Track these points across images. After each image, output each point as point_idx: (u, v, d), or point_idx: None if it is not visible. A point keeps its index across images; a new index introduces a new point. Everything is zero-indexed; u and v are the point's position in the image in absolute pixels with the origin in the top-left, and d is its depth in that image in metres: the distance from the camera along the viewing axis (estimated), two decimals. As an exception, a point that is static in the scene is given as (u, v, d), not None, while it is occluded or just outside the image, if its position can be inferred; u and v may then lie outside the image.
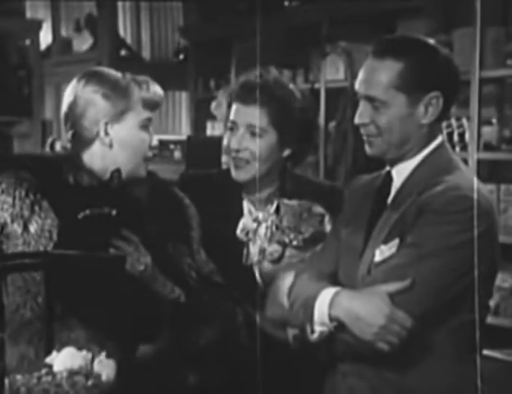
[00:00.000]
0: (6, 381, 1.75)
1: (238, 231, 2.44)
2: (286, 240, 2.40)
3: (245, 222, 2.46)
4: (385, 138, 2.04)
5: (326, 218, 2.42)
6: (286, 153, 2.49)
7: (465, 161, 3.94)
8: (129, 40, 7.43)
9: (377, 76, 2.02)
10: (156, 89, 2.23)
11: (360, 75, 2.06)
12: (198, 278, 2.24)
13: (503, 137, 4.17)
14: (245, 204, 2.50)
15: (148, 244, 2.14)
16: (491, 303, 2.92)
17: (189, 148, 5.69)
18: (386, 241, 2.01)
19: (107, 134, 2.17)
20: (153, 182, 2.28)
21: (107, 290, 1.86)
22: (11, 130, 5.30)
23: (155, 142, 2.24)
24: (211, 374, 2.19)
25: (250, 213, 2.48)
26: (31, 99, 5.27)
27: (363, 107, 2.06)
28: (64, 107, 2.21)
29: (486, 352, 2.09)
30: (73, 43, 7.50)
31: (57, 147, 2.24)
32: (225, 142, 2.50)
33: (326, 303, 1.97)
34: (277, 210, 2.46)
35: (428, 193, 1.99)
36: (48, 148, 2.26)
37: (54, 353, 1.87)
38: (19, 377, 1.80)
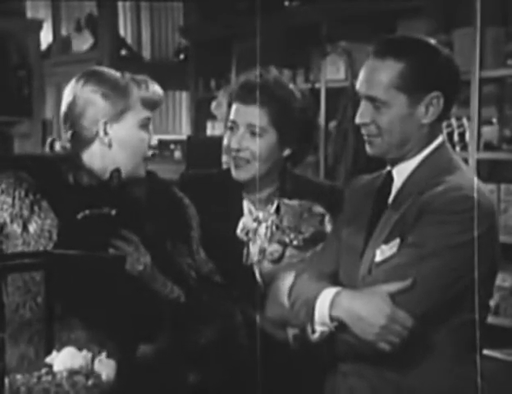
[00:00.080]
0: (7, 380, 1.75)
1: (238, 231, 2.44)
2: (286, 239, 2.40)
3: (245, 221, 2.46)
4: (385, 138, 2.04)
5: (327, 218, 2.42)
6: (286, 152, 2.49)
7: (465, 161, 3.94)
8: (129, 40, 7.43)
9: (377, 76, 2.02)
10: (155, 89, 2.23)
11: (361, 75, 2.06)
12: (198, 278, 2.24)
13: (503, 137, 4.17)
14: (245, 204, 2.50)
15: (148, 244, 2.14)
16: (491, 303, 2.92)
17: (189, 148, 5.69)
18: (386, 241, 2.01)
19: (106, 133, 2.17)
20: (152, 182, 2.27)
21: (107, 290, 1.86)
22: (12, 130, 5.31)
23: (154, 141, 2.24)
24: (211, 374, 2.19)
25: (250, 212, 2.48)
26: (31, 99, 5.28)
27: (363, 107, 2.06)
28: (63, 107, 2.21)
29: (486, 352, 2.09)
30: (73, 42, 7.50)
31: (57, 147, 2.23)
32: (225, 142, 2.50)
33: (326, 303, 1.97)
34: (277, 210, 2.46)
35: (429, 193, 1.99)
36: (47, 148, 2.26)
37: (54, 353, 1.87)
38: (19, 376, 1.79)
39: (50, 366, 1.83)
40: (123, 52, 7.14)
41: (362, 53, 2.69)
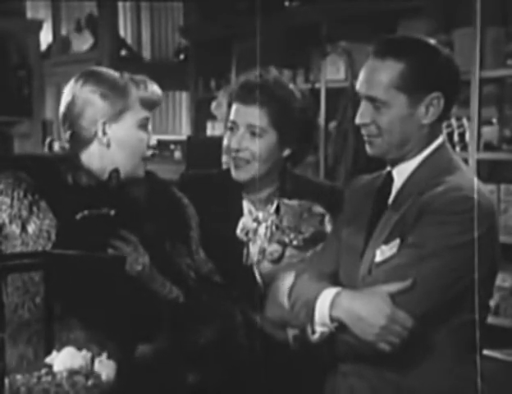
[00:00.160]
0: (7, 381, 1.75)
1: (238, 231, 2.44)
2: (286, 239, 2.40)
3: (245, 221, 2.46)
4: (385, 138, 2.04)
5: (327, 218, 2.42)
6: (286, 153, 2.49)
7: (465, 161, 3.93)
8: (129, 40, 7.43)
9: (377, 76, 2.02)
10: (154, 89, 2.22)
11: (361, 76, 2.06)
12: (197, 278, 2.24)
13: (503, 137, 4.17)
14: (245, 204, 2.50)
15: (147, 244, 2.14)
16: (491, 303, 2.92)
17: (189, 148, 5.69)
18: (386, 241, 2.01)
19: (104, 133, 2.17)
20: (151, 182, 2.27)
21: (106, 290, 1.86)
22: (12, 130, 5.31)
23: (153, 141, 2.24)
24: (210, 374, 2.19)
25: (250, 212, 2.48)
26: (31, 99, 5.28)
27: (364, 107, 2.05)
28: (62, 107, 2.21)
29: (486, 352, 2.09)
30: (73, 43, 7.50)
31: (56, 147, 2.23)
32: (225, 142, 2.50)
33: (326, 303, 1.97)
34: (277, 210, 2.46)
35: (429, 193, 1.98)
36: (46, 149, 2.25)
37: (54, 353, 1.87)
38: (19, 376, 1.79)
39: (50, 366, 1.83)
40: (123, 52, 7.14)
41: (362, 53, 2.69)
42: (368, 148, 2.08)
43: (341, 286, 2.03)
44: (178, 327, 2.15)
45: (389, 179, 2.10)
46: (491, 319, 2.28)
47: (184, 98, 7.33)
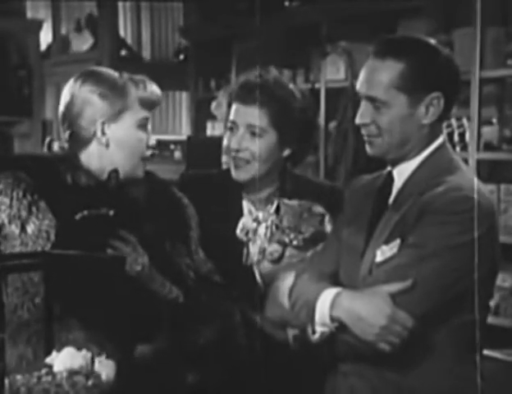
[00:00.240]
0: (7, 381, 1.75)
1: (238, 231, 2.44)
2: (286, 239, 2.40)
3: (245, 221, 2.46)
4: (386, 138, 2.04)
5: (327, 218, 2.42)
6: (286, 153, 2.49)
7: (465, 161, 3.94)
8: (129, 40, 7.43)
9: (377, 76, 2.02)
10: (153, 89, 2.22)
11: (361, 76, 2.06)
12: (197, 278, 2.24)
13: (503, 137, 4.17)
14: (245, 204, 2.50)
15: (147, 244, 2.13)
16: (492, 303, 2.92)
17: (189, 148, 5.69)
18: (387, 242, 2.01)
19: (103, 133, 2.17)
20: (151, 182, 2.27)
21: (106, 290, 1.86)
22: (12, 130, 5.31)
23: (153, 141, 2.23)
24: (210, 374, 2.19)
25: (250, 212, 2.48)
26: (31, 99, 5.28)
27: (364, 107, 2.05)
28: (61, 107, 2.21)
29: (486, 352, 2.09)
30: (73, 43, 7.50)
31: (55, 147, 2.23)
32: (225, 142, 2.50)
33: (327, 303, 1.97)
34: (277, 210, 2.46)
35: (430, 193, 1.98)
36: (45, 149, 2.25)
37: (54, 353, 1.87)
38: (19, 377, 1.79)
39: (50, 366, 1.83)
40: (123, 52, 7.14)
41: (362, 53, 2.70)
42: (368, 148, 2.08)
43: (342, 286, 2.03)
44: (177, 327, 2.15)
45: (389, 179, 2.10)
46: (491, 319, 2.28)
47: (184, 98, 7.33)
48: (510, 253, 3.57)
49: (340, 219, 2.22)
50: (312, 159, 4.96)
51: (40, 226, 2.08)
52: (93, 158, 2.18)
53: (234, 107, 2.48)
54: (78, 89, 2.17)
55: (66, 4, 7.59)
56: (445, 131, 4.05)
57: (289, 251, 2.40)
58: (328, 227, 2.40)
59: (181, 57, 7.10)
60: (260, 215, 2.47)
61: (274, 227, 2.44)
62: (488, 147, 4.15)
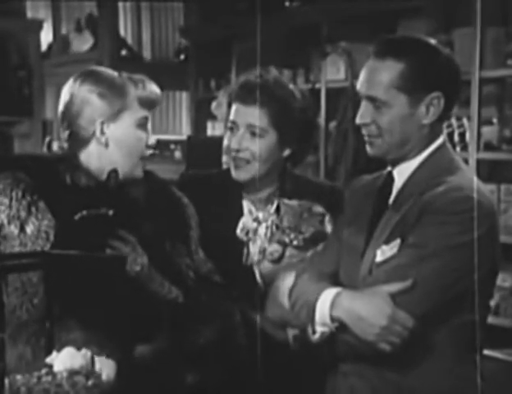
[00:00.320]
0: (7, 381, 1.75)
1: (238, 231, 2.44)
2: (287, 239, 2.40)
3: (245, 221, 2.46)
4: (386, 138, 2.04)
5: (327, 218, 2.42)
6: (286, 153, 2.49)
7: (466, 161, 3.94)
8: (129, 40, 7.43)
9: (378, 76, 2.02)
10: (152, 88, 2.22)
11: (361, 76, 2.06)
12: (197, 278, 2.24)
13: (503, 137, 4.17)
14: (245, 204, 2.50)
15: (146, 244, 2.13)
16: (492, 303, 2.92)
17: (189, 148, 5.69)
18: (387, 242, 2.01)
19: (102, 133, 2.17)
20: (150, 182, 2.27)
21: (106, 290, 1.86)
22: (12, 130, 5.31)
23: (152, 141, 2.23)
24: (210, 374, 2.19)
25: (250, 212, 2.48)
26: (32, 99, 5.28)
27: (364, 107, 2.05)
28: (61, 107, 2.21)
29: (486, 352, 2.09)
30: (73, 43, 7.50)
31: (54, 147, 2.23)
32: (225, 142, 2.50)
33: (327, 303, 1.97)
34: (277, 210, 2.46)
35: (430, 193, 1.98)
36: (45, 148, 2.25)
37: (54, 353, 1.87)
38: (19, 377, 1.79)
39: (50, 366, 1.83)
40: (123, 52, 7.14)
41: (362, 54, 2.69)
42: (368, 148, 2.08)
43: (342, 286, 2.03)
44: (177, 327, 2.15)
45: (389, 179, 2.10)
46: (491, 319, 2.28)
47: (184, 98, 7.33)
48: (510, 253, 3.57)
49: (340, 219, 2.22)
50: (312, 159, 4.96)
51: (39, 226, 2.08)
52: (92, 157, 2.18)
53: (234, 107, 2.48)
54: (77, 89, 2.17)
55: (66, 4, 7.59)
56: (445, 131, 4.05)
57: (289, 251, 2.40)
58: (328, 227, 2.40)
59: (182, 57, 7.10)
60: (260, 215, 2.47)
61: (274, 227, 2.44)
62: (488, 147, 4.15)
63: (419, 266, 1.93)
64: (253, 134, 2.44)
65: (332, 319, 1.96)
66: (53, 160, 2.19)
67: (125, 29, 7.46)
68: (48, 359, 1.86)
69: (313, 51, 5.23)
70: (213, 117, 6.03)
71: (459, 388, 2.01)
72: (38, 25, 5.59)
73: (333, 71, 5.04)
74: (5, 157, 3.60)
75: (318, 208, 2.43)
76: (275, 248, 2.41)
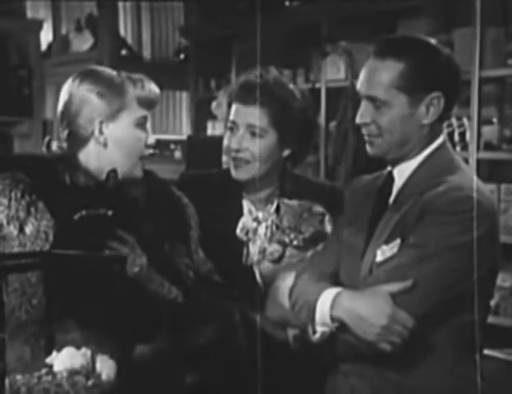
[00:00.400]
0: (7, 381, 1.75)
1: (238, 231, 2.44)
2: (287, 239, 2.40)
3: (245, 221, 2.46)
4: (386, 138, 2.04)
5: (327, 218, 2.42)
6: (286, 153, 2.49)
7: (466, 160, 3.94)
8: (129, 40, 7.43)
9: (378, 76, 2.02)
10: (151, 87, 2.21)
11: (361, 76, 2.06)
12: (197, 278, 2.24)
13: (503, 137, 4.17)
14: (245, 204, 2.50)
15: (146, 244, 2.13)
16: (492, 303, 2.92)
17: (189, 148, 5.68)
18: (387, 241, 2.00)
19: (101, 133, 2.16)
20: (150, 181, 2.27)
21: (105, 290, 1.86)
22: (12, 130, 5.31)
23: (151, 140, 2.22)
24: (210, 374, 2.19)
25: (250, 212, 2.48)
26: (32, 99, 5.28)
27: (364, 107, 2.05)
28: (60, 106, 2.20)
29: (486, 352, 2.09)
30: (73, 42, 7.50)
31: (54, 147, 2.23)
32: (225, 142, 2.50)
33: (327, 303, 1.97)
34: (277, 210, 2.46)
35: (430, 193, 1.98)
36: (44, 148, 2.25)
37: (54, 353, 1.87)
38: (19, 377, 1.79)
39: (50, 366, 1.83)
40: (123, 52, 7.14)
41: (362, 53, 2.69)
42: (368, 148, 2.08)
43: (342, 286, 2.03)
44: (177, 328, 2.14)
45: (390, 179, 2.10)
46: (491, 319, 2.28)
47: (184, 97, 7.33)
48: (510, 253, 3.57)
49: (340, 219, 2.22)
50: (312, 159, 4.96)
51: (38, 226, 2.08)
52: (91, 157, 2.18)
53: (234, 107, 2.48)
54: (76, 88, 2.17)
55: (66, 4, 7.59)
56: (445, 131, 4.05)
57: (289, 251, 2.40)
58: (328, 227, 2.40)
59: (181, 56, 7.10)
60: (260, 215, 2.47)
61: (274, 227, 2.44)
62: (488, 147, 4.16)
63: (419, 266, 1.93)
64: (253, 134, 2.43)
65: (333, 319, 1.96)
66: (52, 160, 2.18)
67: (125, 28, 7.46)
68: (48, 360, 1.86)
69: (313, 51, 5.23)
70: (213, 117, 6.03)
71: (459, 388, 2.01)
72: (38, 25, 5.59)
73: (333, 71, 5.04)
74: (4, 157, 3.60)
75: (318, 208, 2.43)
76: (275, 248, 2.41)
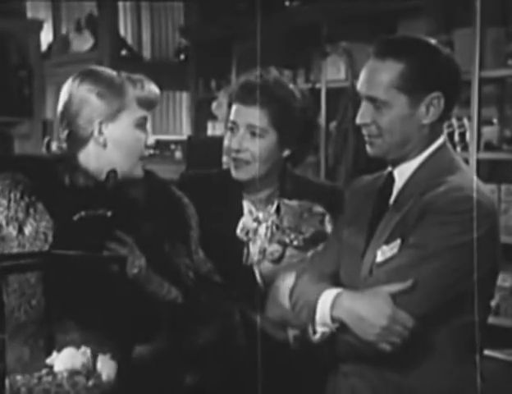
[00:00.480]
0: (7, 381, 1.75)
1: (238, 231, 2.44)
2: (287, 240, 2.40)
3: (245, 221, 2.46)
4: (386, 138, 2.04)
5: (327, 218, 2.42)
6: (286, 153, 2.49)
7: (466, 161, 3.94)
8: (129, 40, 7.43)
9: (378, 77, 2.02)
10: (151, 88, 2.21)
11: (362, 76, 2.06)
12: (197, 278, 2.24)
13: (504, 137, 4.17)
14: (246, 204, 2.50)
15: (146, 244, 2.13)
16: (492, 303, 2.92)
17: (189, 148, 5.68)
18: (387, 242, 2.00)
19: (101, 133, 2.16)
20: (150, 182, 2.26)
21: (105, 291, 1.86)
22: (12, 130, 5.31)
23: (151, 141, 2.22)
24: (209, 374, 2.19)
25: (250, 212, 2.48)
26: (32, 99, 5.28)
27: (364, 107, 2.05)
28: (60, 106, 2.20)
29: (486, 352, 2.09)
30: (74, 43, 7.50)
31: (53, 147, 2.23)
32: (225, 142, 2.50)
33: (328, 304, 1.97)
34: (278, 210, 2.46)
35: (431, 193, 1.98)
36: (44, 149, 2.25)
37: (54, 353, 1.87)
38: (19, 377, 1.79)
39: (51, 367, 1.83)
40: (123, 52, 7.14)
41: (362, 54, 2.69)
42: (368, 148, 2.08)
43: (342, 286, 2.03)
44: (177, 328, 2.14)
45: (390, 179, 2.10)
46: (491, 319, 2.28)
47: (184, 98, 7.33)
48: (511, 253, 3.57)
49: (340, 219, 2.22)
50: (312, 159, 4.96)
51: (38, 227, 2.07)
52: (91, 158, 2.18)
53: (234, 107, 2.48)
54: (76, 89, 2.17)
55: (66, 4, 7.59)
56: (445, 131, 4.05)
57: (289, 251, 2.40)
58: (328, 227, 2.40)
59: (182, 56, 7.11)
60: (260, 215, 2.47)
61: (274, 227, 2.44)
62: (488, 147, 4.16)
63: (420, 266, 1.93)
64: (253, 134, 2.44)
65: (333, 319, 1.96)
66: (52, 161, 2.18)
67: (125, 29, 7.46)
68: (49, 360, 1.86)
69: (313, 51, 5.23)
70: (214, 117, 6.03)
71: (460, 388, 2.01)
72: (38, 25, 5.59)
73: (333, 71, 5.04)
74: (4, 157, 3.60)
75: (319, 209, 2.43)
76: (275, 248, 2.41)
